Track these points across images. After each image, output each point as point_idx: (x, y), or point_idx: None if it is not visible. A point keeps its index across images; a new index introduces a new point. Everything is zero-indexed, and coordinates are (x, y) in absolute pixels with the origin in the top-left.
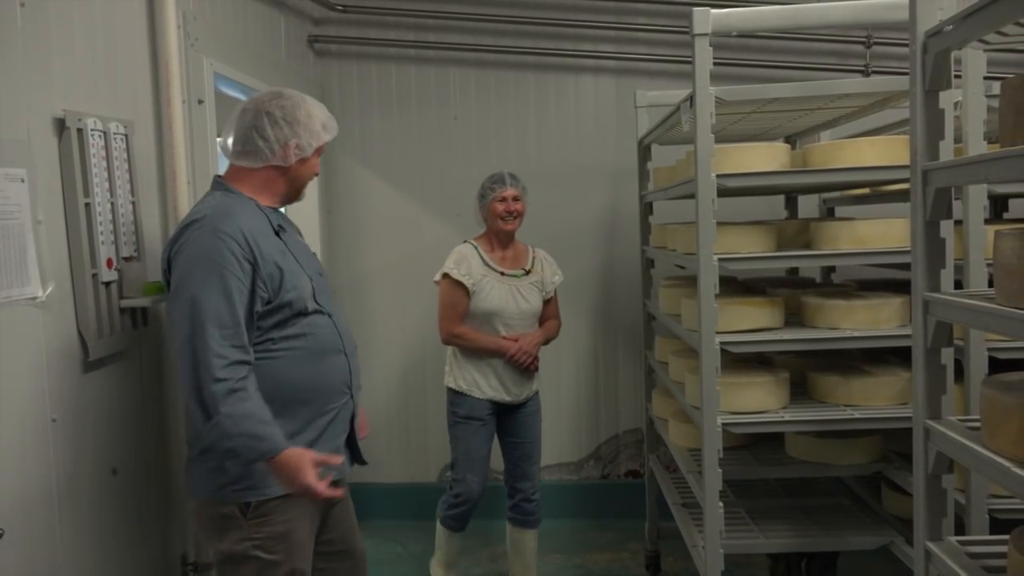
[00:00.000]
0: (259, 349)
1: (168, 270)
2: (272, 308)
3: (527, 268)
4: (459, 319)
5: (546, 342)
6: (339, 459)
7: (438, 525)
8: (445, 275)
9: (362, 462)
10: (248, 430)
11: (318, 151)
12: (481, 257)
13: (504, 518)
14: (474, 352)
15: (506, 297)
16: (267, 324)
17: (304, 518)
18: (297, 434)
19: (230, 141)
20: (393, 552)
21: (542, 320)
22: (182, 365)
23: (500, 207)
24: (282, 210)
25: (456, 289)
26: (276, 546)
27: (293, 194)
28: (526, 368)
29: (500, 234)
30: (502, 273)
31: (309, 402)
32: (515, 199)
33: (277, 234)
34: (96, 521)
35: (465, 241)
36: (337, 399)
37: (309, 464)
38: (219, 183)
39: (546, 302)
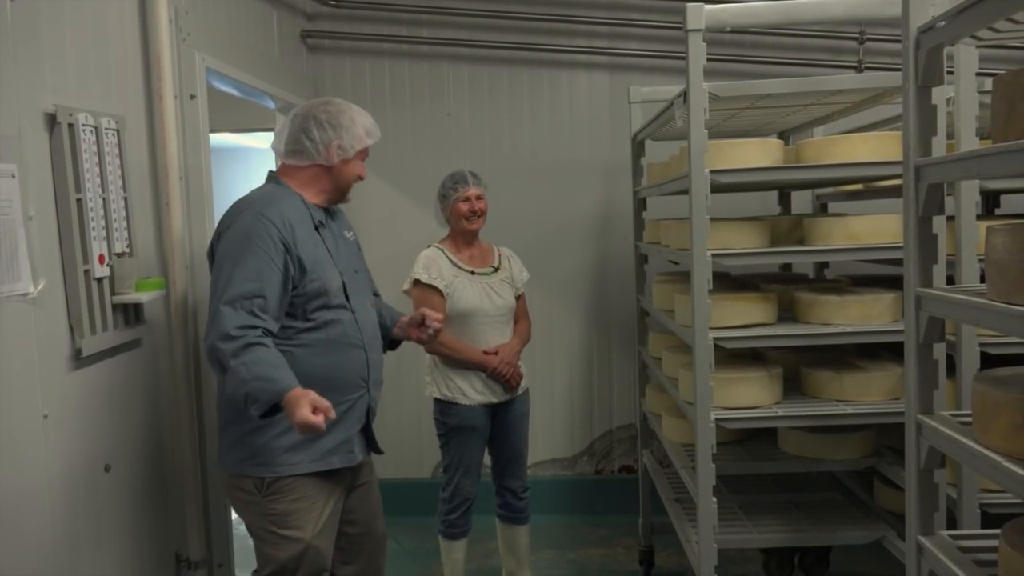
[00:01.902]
0: (280, 339)
1: (214, 248)
2: (298, 293)
3: (495, 265)
4: None
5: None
6: (331, 414)
7: (440, 540)
8: (416, 282)
9: (378, 451)
10: (261, 374)
11: (361, 154)
12: (449, 259)
13: (494, 514)
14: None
15: (480, 295)
16: (291, 312)
17: (320, 496)
18: None
19: (283, 143)
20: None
21: (515, 318)
22: (210, 322)
23: (464, 207)
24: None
25: (430, 294)
26: (290, 521)
27: (338, 194)
28: (507, 380)
29: (465, 234)
30: (472, 272)
31: (325, 392)
32: (478, 198)
33: (316, 229)
34: (89, 518)
35: (430, 245)
36: (353, 391)
37: (307, 403)
38: (272, 176)
39: (516, 299)
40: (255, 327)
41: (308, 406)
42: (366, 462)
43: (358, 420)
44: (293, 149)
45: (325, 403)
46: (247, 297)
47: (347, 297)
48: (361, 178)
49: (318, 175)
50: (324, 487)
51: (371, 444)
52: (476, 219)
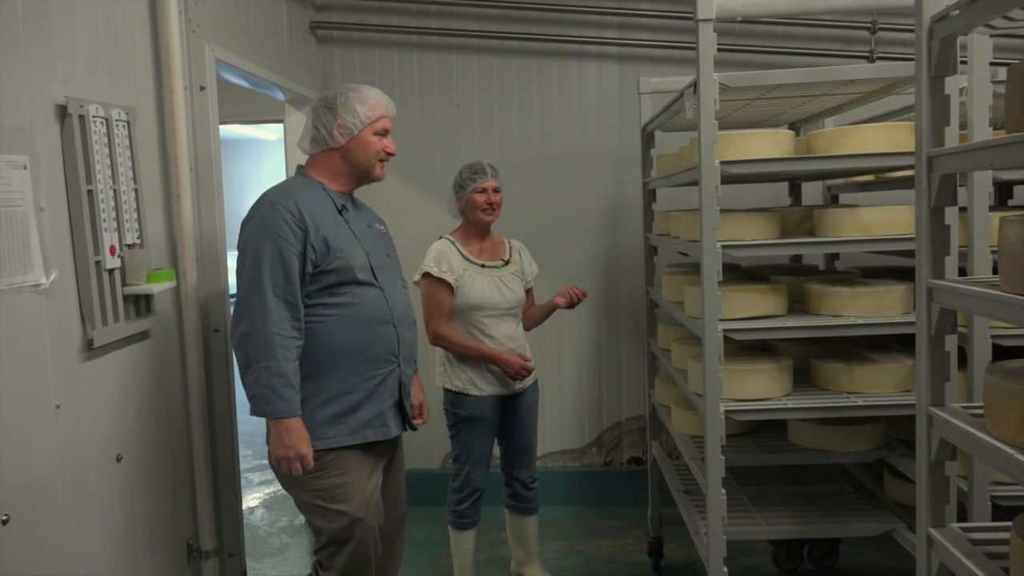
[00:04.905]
0: (310, 314)
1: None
2: (320, 272)
3: (506, 258)
4: (445, 319)
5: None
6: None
7: (449, 531)
8: (426, 275)
9: (412, 428)
10: (276, 387)
11: (375, 131)
12: (459, 251)
13: (503, 504)
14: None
15: (490, 288)
16: (318, 288)
17: (363, 470)
18: (344, 395)
19: (302, 139)
20: None
21: (524, 311)
22: (238, 310)
23: (481, 198)
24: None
25: (439, 287)
26: (337, 495)
27: (357, 174)
28: (516, 375)
29: (479, 225)
30: (482, 265)
31: (354, 366)
32: (495, 190)
33: (340, 212)
34: (101, 507)
35: (441, 237)
36: (383, 366)
37: (307, 440)
38: (298, 169)
39: (525, 292)
40: (291, 317)
41: (308, 444)
42: (399, 443)
43: (390, 394)
44: (309, 140)
45: (309, 458)
46: (277, 283)
47: (375, 275)
48: (390, 153)
49: (333, 159)
50: (366, 461)
51: (405, 420)
52: (492, 211)
